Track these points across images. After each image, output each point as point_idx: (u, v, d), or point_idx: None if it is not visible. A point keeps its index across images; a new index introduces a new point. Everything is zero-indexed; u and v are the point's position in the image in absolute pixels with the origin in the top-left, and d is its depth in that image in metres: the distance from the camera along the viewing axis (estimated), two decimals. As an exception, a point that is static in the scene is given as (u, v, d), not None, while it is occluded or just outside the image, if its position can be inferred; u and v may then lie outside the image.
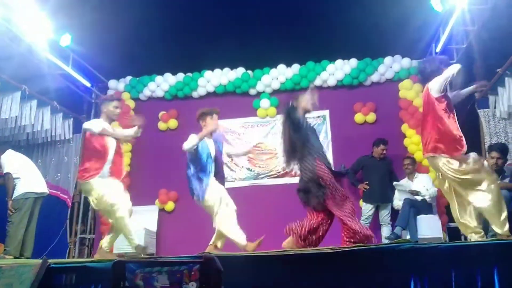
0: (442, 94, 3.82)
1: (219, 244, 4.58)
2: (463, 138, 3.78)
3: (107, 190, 4.21)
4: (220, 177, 4.69)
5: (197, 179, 4.51)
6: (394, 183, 6.34)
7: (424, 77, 4.05)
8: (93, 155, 4.33)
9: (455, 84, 4.11)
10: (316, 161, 4.08)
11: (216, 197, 4.46)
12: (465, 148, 3.76)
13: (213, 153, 4.64)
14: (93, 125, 4.38)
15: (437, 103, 3.81)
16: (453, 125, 3.78)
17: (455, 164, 3.72)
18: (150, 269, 1.57)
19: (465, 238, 6.37)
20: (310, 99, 4.42)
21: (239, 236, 4.43)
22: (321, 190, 4.04)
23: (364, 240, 3.87)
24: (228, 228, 4.45)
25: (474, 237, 3.79)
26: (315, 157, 4.10)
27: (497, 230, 3.61)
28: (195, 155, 4.54)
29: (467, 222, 3.83)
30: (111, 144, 4.43)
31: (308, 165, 4.11)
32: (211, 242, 4.59)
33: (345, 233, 3.99)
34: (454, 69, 3.79)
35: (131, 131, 4.64)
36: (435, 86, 3.82)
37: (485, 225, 4.30)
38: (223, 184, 4.71)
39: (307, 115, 4.43)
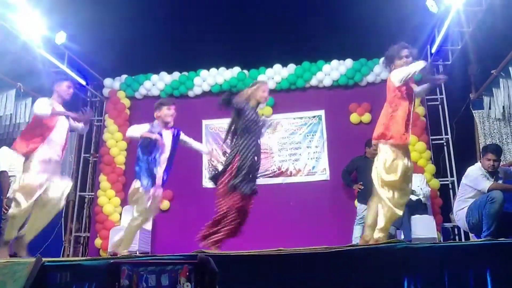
0: (402, 84, 3.86)
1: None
2: (409, 134, 3.87)
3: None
4: (167, 171, 4.61)
5: (146, 169, 4.42)
6: None
7: (387, 61, 4.12)
8: (34, 133, 4.33)
9: (425, 81, 4.21)
10: (235, 156, 4.09)
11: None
12: (407, 142, 3.87)
13: (167, 145, 4.55)
14: (43, 108, 4.28)
15: (395, 91, 3.88)
16: (404, 115, 3.84)
17: (390, 156, 3.81)
18: (144, 270, 1.56)
19: (459, 238, 6.44)
20: (264, 90, 4.40)
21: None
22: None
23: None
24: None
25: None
26: (236, 153, 4.10)
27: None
28: (147, 144, 4.47)
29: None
30: (61, 125, 4.43)
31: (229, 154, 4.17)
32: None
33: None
34: (417, 66, 3.81)
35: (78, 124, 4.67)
36: (396, 76, 3.87)
37: (478, 225, 4.34)
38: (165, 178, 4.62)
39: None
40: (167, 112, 4.54)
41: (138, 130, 4.50)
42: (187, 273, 1.55)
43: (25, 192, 4.16)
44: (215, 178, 4.18)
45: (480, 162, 4.71)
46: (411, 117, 3.92)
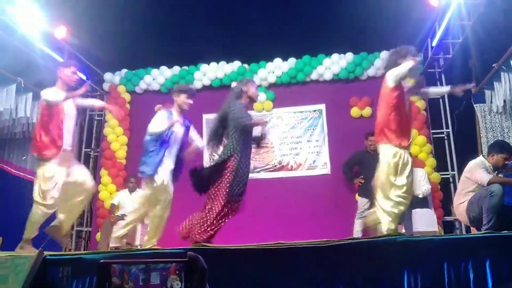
0: (396, 85, 3.95)
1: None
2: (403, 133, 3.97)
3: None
4: (179, 163, 4.50)
5: (157, 155, 4.28)
6: None
7: (388, 66, 4.15)
8: (49, 128, 4.21)
9: (414, 80, 4.25)
10: (230, 157, 4.11)
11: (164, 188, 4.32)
12: (409, 141, 4.03)
13: (179, 137, 4.45)
14: (55, 95, 4.19)
15: (391, 92, 3.97)
16: (398, 117, 3.95)
17: (390, 153, 3.94)
18: (135, 268, 1.58)
19: (460, 232, 6.44)
20: (256, 88, 4.45)
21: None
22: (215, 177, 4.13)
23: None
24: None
25: None
26: (230, 153, 4.12)
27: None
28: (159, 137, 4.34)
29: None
30: (69, 113, 4.38)
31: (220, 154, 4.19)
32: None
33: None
34: (407, 65, 3.89)
35: (97, 103, 4.69)
36: (391, 76, 3.96)
37: (478, 219, 4.34)
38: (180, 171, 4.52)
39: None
40: (185, 101, 4.51)
41: (162, 123, 4.32)
42: (177, 271, 1.56)
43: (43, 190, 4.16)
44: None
45: (485, 157, 4.70)
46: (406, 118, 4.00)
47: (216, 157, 4.24)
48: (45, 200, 4.13)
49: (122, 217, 6.38)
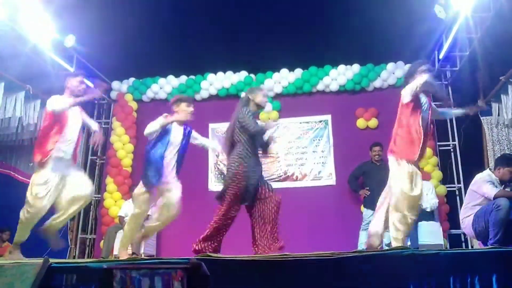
0: (410, 100, 4.00)
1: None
2: (418, 146, 4.01)
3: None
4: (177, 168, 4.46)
5: (156, 165, 4.30)
6: None
7: (408, 78, 4.21)
8: (49, 136, 4.22)
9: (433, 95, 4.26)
10: (239, 164, 4.10)
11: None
12: (415, 156, 4.02)
13: (176, 142, 4.41)
14: (60, 103, 4.20)
15: (404, 108, 4.07)
16: (411, 130, 4.02)
17: (404, 168, 3.93)
18: (137, 273, 1.59)
19: (466, 245, 6.39)
20: (265, 95, 4.43)
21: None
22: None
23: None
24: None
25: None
26: (240, 161, 4.11)
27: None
28: (160, 140, 4.33)
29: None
30: (74, 122, 4.35)
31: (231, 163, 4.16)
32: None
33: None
34: (420, 80, 3.90)
35: (94, 126, 4.62)
36: (405, 92, 4.02)
37: (485, 232, 4.31)
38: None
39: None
40: (186, 109, 4.44)
41: (156, 123, 4.32)
42: (180, 278, 1.56)
43: (34, 194, 4.16)
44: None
45: (491, 170, 4.67)
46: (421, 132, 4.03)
47: (227, 165, 4.25)
48: (34, 206, 4.16)
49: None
